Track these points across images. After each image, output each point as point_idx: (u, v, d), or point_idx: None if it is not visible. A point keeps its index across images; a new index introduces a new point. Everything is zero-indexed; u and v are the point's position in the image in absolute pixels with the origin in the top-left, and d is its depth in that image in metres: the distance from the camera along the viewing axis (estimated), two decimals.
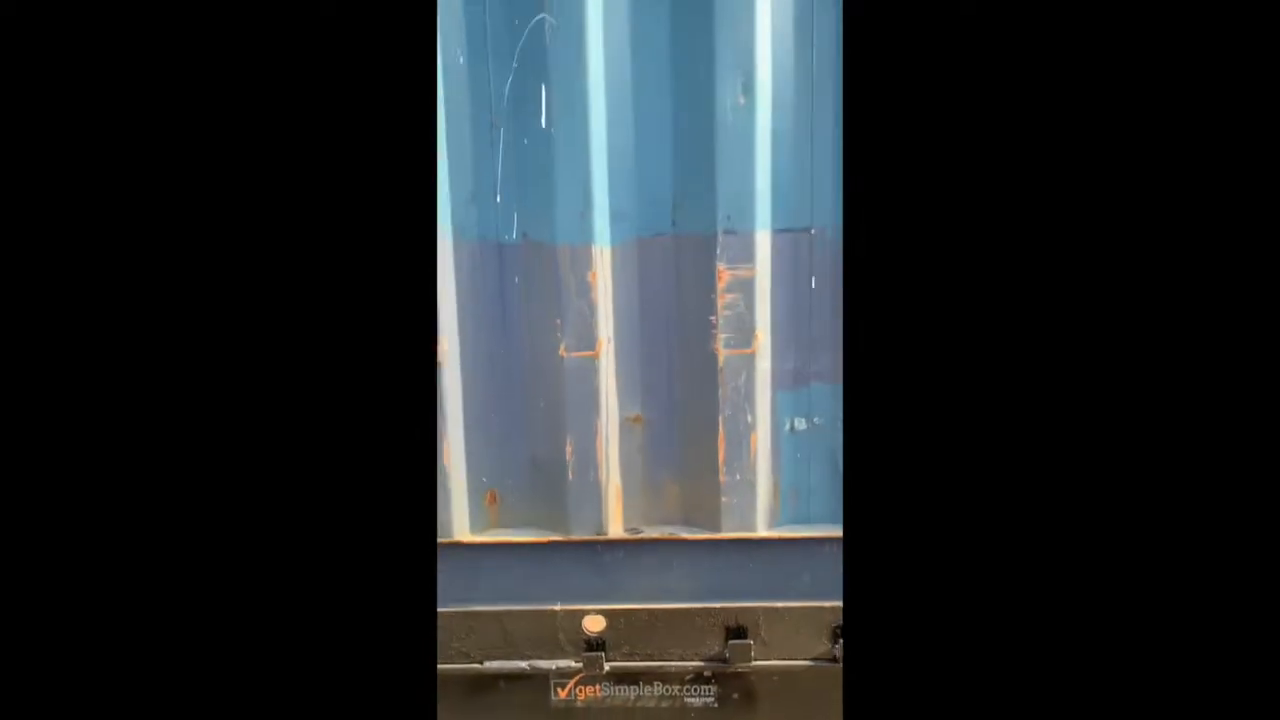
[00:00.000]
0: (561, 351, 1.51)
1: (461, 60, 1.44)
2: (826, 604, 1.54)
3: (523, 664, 1.55)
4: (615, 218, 1.48)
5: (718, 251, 1.47)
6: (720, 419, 1.51)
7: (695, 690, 1.59)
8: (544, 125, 1.45)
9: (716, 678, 1.58)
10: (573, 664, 1.55)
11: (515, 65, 1.44)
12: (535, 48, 1.42)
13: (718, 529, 1.55)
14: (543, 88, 1.44)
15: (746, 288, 1.48)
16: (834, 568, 1.55)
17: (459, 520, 1.57)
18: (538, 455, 1.57)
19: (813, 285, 1.50)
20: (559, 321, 1.50)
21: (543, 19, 1.41)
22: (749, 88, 1.42)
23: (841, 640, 1.53)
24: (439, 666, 1.54)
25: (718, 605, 1.55)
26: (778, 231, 1.49)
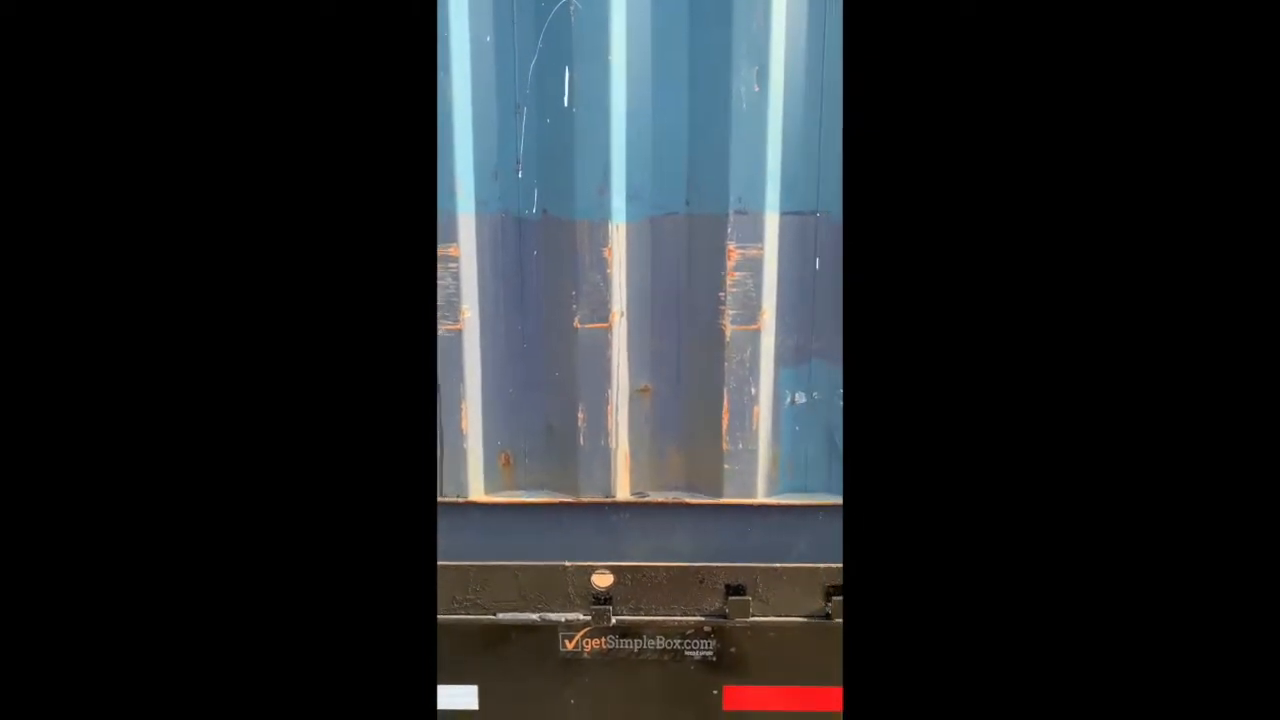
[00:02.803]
0: (576, 323, 1.58)
1: (488, 39, 1.49)
2: (821, 566, 1.64)
3: (533, 616, 1.65)
4: (631, 196, 1.55)
5: (728, 231, 1.54)
6: (725, 391, 1.59)
7: (695, 644, 1.69)
8: (566, 105, 1.51)
9: (716, 632, 1.68)
10: (581, 617, 1.65)
11: (540, 46, 1.49)
12: (560, 30, 1.48)
13: (720, 495, 1.64)
14: (566, 69, 1.49)
15: (755, 267, 1.56)
16: (828, 533, 1.65)
17: (475, 481, 1.66)
18: (551, 421, 1.65)
19: (817, 266, 1.58)
20: (574, 294, 1.57)
21: (568, 2, 1.46)
22: (763, 76, 1.49)
23: (833, 599, 1.63)
24: (456, 617, 1.64)
25: (719, 565, 1.64)
26: (786, 214, 1.56)
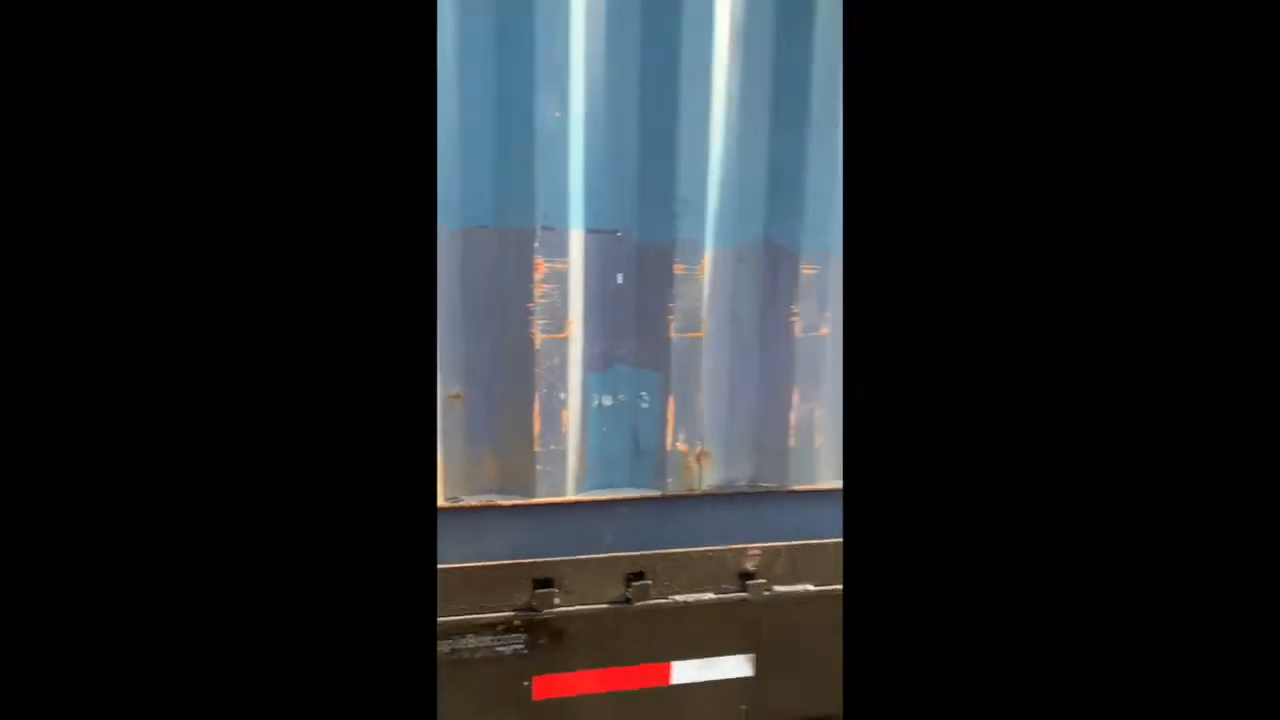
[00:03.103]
0: None
1: None
2: (623, 555, 1.78)
3: None
4: (442, 210, 1.60)
5: (536, 245, 1.64)
6: (536, 396, 1.69)
7: (506, 639, 1.76)
8: None
9: (526, 626, 1.76)
10: None
11: None
12: None
13: (532, 495, 1.73)
14: None
15: (561, 279, 1.67)
16: (631, 524, 1.80)
17: None
18: None
19: (619, 280, 1.72)
20: None
21: None
22: (564, 103, 1.60)
23: (632, 585, 1.78)
24: None
25: (526, 561, 1.73)
26: (589, 231, 1.69)
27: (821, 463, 1.90)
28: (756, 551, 1.85)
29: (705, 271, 1.73)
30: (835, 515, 1.85)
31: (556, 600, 1.74)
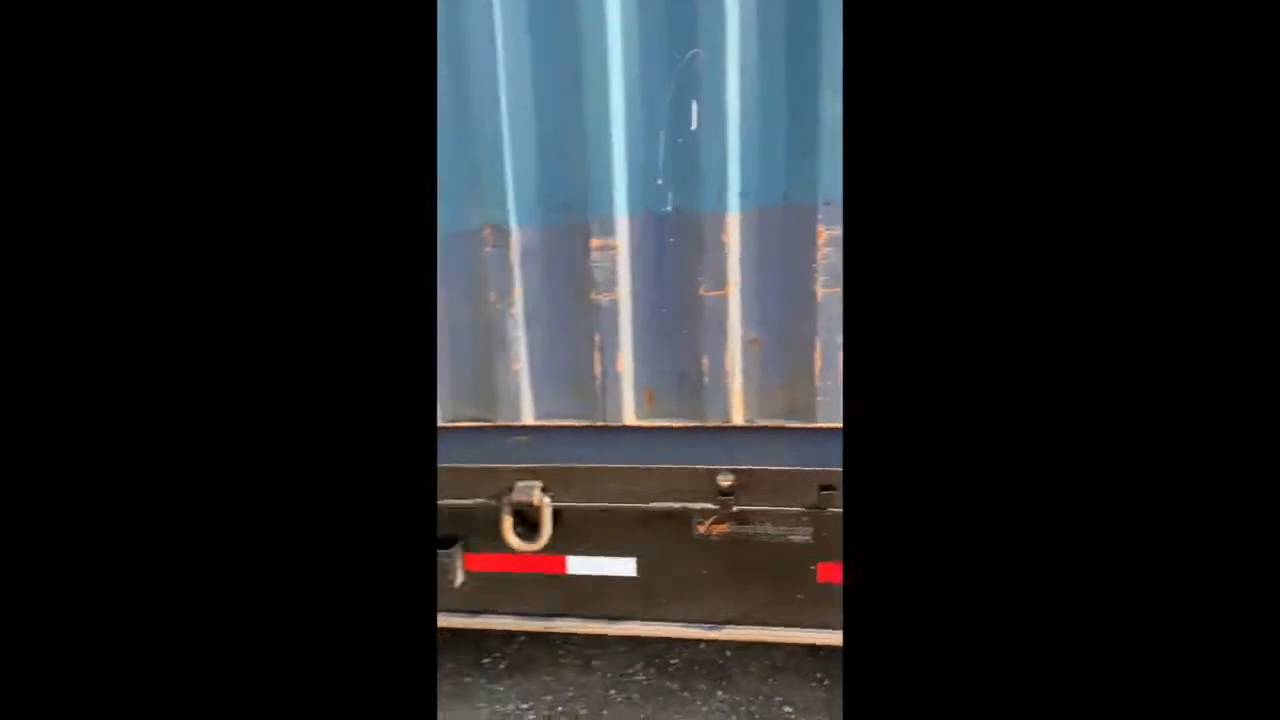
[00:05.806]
0: (701, 292, 2.10)
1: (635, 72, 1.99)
2: None
3: (675, 505, 2.23)
4: (743, 194, 2.04)
5: (819, 217, 2.00)
6: (817, 341, 2.08)
7: (797, 530, 2.22)
8: (693, 128, 2.01)
9: (812, 520, 2.20)
10: (710, 506, 2.21)
11: (674, 86, 1.99)
12: (688, 72, 1.97)
13: (814, 420, 2.14)
14: (693, 102, 1.99)
15: (838, 244, 2.01)
16: None
17: (627, 410, 2.24)
18: (683, 367, 2.20)
19: None
20: (700, 270, 2.08)
21: (695, 53, 1.94)
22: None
23: None
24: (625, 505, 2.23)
25: (812, 469, 2.15)
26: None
27: None
28: None
29: None
30: None
31: (838, 502, 2.14)
